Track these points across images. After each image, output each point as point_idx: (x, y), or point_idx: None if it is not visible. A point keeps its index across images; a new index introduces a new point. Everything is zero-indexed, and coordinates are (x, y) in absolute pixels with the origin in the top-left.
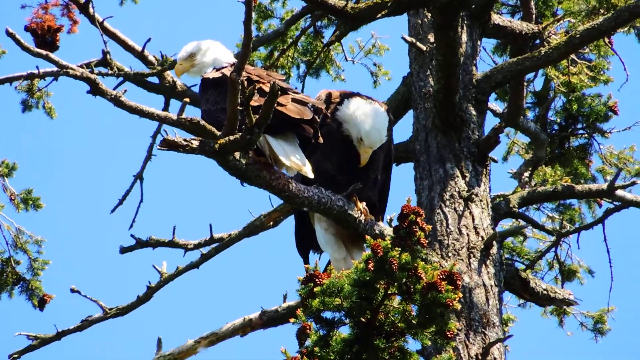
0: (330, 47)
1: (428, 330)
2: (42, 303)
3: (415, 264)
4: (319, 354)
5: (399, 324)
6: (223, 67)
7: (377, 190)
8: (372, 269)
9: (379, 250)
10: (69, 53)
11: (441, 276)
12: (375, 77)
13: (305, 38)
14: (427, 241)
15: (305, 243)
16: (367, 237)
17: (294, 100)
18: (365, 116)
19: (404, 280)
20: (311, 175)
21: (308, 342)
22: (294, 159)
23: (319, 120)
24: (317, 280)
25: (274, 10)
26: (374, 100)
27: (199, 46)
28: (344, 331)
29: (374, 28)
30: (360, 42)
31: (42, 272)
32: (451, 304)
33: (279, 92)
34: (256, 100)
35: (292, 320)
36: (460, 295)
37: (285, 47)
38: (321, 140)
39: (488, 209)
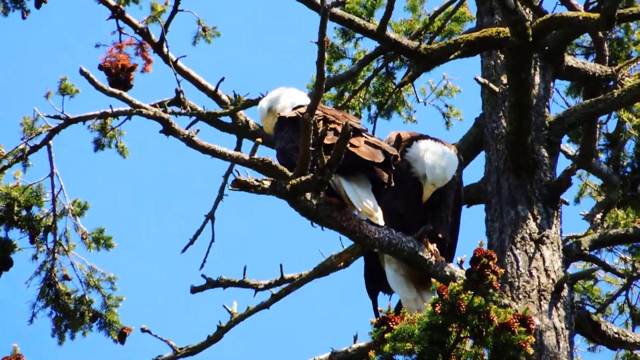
0: (402, 89)
1: None
2: (122, 336)
3: (488, 307)
4: None
5: None
6: (300, 106)
7: (447, 231)
8: (439, 312)
9: (444, 293)
10: (142, 92)
11: (514, 319)
12: (447, 118)
13: (376, 79)
14: (499, 284)
15: (375, 284)
16: (433, 280)
17: (367, 142)
18: (432, 154)
19: (475, 323)
20: (382, 223)
21: None
22: (365, 205)
23: (392, 164)
24: (390, 323)
25: (346, 51)
26: (443, 143)
27: (271, 99)
28: None
29: (445, 69)
30: (432, 83)
31: (116, 309)
32: (524, 345)
33: (352, 133)
34: (329, 139)
35: None
36: (533, 339)
37: (356, 87)
38: (393, 183)
39: (559, 251)
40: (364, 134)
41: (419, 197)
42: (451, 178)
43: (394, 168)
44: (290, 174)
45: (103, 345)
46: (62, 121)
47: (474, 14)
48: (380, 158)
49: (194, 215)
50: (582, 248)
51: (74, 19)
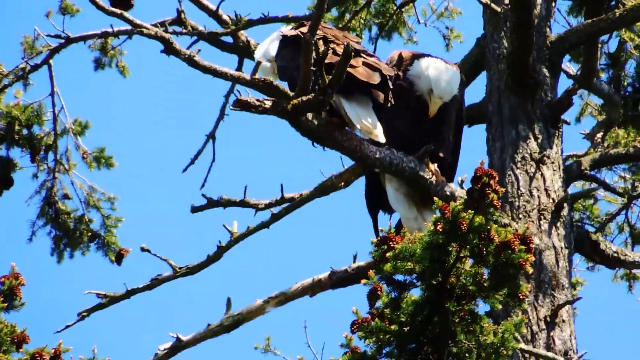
0: (403, 10)
1: (500, 293)
2: (119, 257)
3: (488, 227)
4: (389, 316)
5: (470, 287)
6: (302, 25)
7: (449, 150)
8: (440, 230)
9: (447, 212)
10: (143, 12)
11: (514, 237)
12: (448, 40)
13: (378, 0)
14: (500, 203)
15: (375, 203)
16: (436, 198)
17: (365, 63)
18: (435, 69)
19: (476, 242)
20: (382, 140)
21: (379, 304)
22: (364, 122)
23: (391, 83)
24: (390, 242)
25: None
26: (445, 61)
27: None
28: (415, 293)
29: None
30: (433, 4)
31: (115, 229)
32: (524, 264)
33: (352, 54)
34: (330, 59)
35: (363, 281)
36: (533, 257)
37: (357, 8)
38: (392, 102)
39: (559, 171)
40: (362, 55)
41: (423, 116)
42: (456, 92)
43: (392, 87)
44: (291, 94)
45: (101, 265)
46: (62, 40)
47: None
48: (376, 79)
49: (195, 135)
50: (583, 168)
51: None
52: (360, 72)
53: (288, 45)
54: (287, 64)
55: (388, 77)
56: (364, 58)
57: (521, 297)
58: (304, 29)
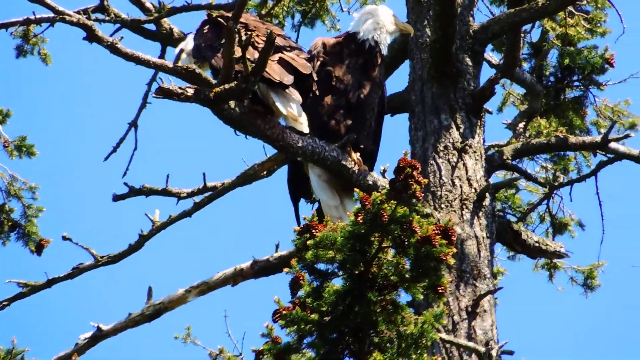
0: None
1: (420, 285)
2: (39, 248)
3: (410, 218)
4: (311, 305)
5: (392, 277)
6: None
7: (371, 136)
8: (361, 221)
9: (367, 203)
10: None
11: (436, 230)
12: None
13: None
14: (422, 195)
15: (298, 191)
16: (357, 190)
17: (281, 61)
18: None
19: (397, 233)
20: (306, 129)
21: (301, 293)
22: (290, 110)
23: (314, 78)
24: (313, 230)
25: None
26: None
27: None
28: (337, 283)
29: None
30: None
31: (36, 219)
32: (445, 258)
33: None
34: (250, 54)
35: (285, 270)
36: (455, 250)
37: None
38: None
39: (482, 161)
40: (283, 51)
41: (346, 100)
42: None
43: (314, 81)
44: (214, 82)
45: (22, 255)
46: None
47: None
48: (288, 80)
49: (117, 123)
50: (505, 157)
51: None
52: (274, 70)
53: (207, 25)
54: (203, 42)
55: (309, 73)
56: (282, 54)
57: (441, 290)
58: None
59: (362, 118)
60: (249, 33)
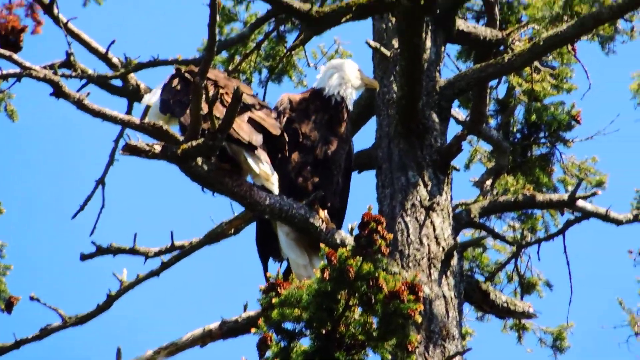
0: (293, 53)
1: (388, 343)
2: (9, 305)
3: (377, 274)
4: None
5: (359, 337)
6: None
7: (339, 193)
8: (327, 278)
9: (333, 259)
10: (32, 54)
11: (403, 286)
12: None
13: (268, 43)
14: (388, 250)
15: (266, 250)
16: (322, 245)
17: (250, 120)
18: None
19: (364, 290)
20: (276, 190)
21: (268, 354)
22: (263, 169)
23: (286, 139)
24: (278, 289)
25: (238, 14)
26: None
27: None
28: (305, 343)
29: (337, 33)
30: (323, 47)
31: (4, 277)
32: (413, 314)
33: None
34: (217, 110)
35: (253, 330)
36: (422, 307)
37: (248, 51)
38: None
39: (449, 219)
40: (252, 109)
41: (314, 157)
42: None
43: (286, 141)
44: (181, 138)
45: None
46: None
47: None
48: (257, 140)
49: (84, 181)
50: (472, 215)
51: None
52: (244, 130)
53: (175, 79)
54: (171, 97)
55: (280, 134)
56: (252, 113)
57: (410, 348)
58: (194, 69)
59: (329, 174)
60: (218, 89)
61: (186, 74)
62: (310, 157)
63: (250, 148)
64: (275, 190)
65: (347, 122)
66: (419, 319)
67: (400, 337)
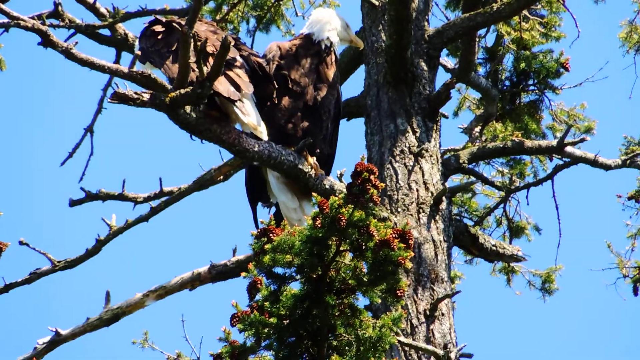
0: (281, 2)
1: (378, 288)
2: None
3: (368, 222)
4: (269, 309)
5: (350, 281)
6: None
7: (328, 139)
8: (319, 226)
9: (325, 208)
10: (20, 5)
11: (394, 234)
12: None
13: None
14: (379, 199)
15: (255, 195)
16: (315, 194)
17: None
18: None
19: (355, 237)
20: (265, 137)
21: (258, 297)
22: (250, 119)
23: (275, 85)
24: (271, 234)
25: None
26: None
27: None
28: (295, 287)
29: None
30: None
31: None
32: (403, 262)
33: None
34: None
35: (243, 274)
36: (412, 254)
37: (235, 1)
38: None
39: (438, 165)
40: (233, 69)
41: (304, 103)
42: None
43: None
44: (169, 86)
45: None
46: None
47: None
48: (234, 96)
49: (73, 128)
50: (461, 161)
51: None
52: (222, 88)
53: (153, 29)
54: (149, 47)
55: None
56: (230, 71)
57: (399, 293)
58: (180, 20)
59: (319, 120)
60: (206, 38)
61: (173, 24)
62: (300, 102)
63: (230, 101)
64: (265, 137)
65: (336, 68)
66: (409, 265)
67: (390, 283)
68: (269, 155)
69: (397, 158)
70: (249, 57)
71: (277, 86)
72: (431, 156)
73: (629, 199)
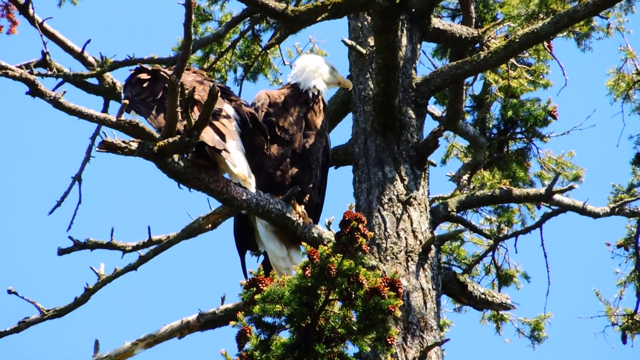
0: (268, 51)
1: (368, 337)
2: None
3: (357, 271)
4: (259, 358)
5: (339, 330)
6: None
7: (316, 187)
8: (309, 275)
9: (315, 257)
10: (8, 54)
11: (383, 282)
12: None
13: (243, 42)
14: (368, 248)
15: (244, 243)
16: (304, 243)
17: (212, 126)
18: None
19: (344, 286)
20: (253, 189)
21: (248, 346)
22: (240, 170)
23: (267, 136)
24: (260, 284)
25: (213, 13)
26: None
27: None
28: (285, 336)
29: (312, 32)
30: (298, 46)
31: None
32: (393, 310)
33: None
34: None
35: (232, 323)
36: (401, 302)
37: (223, 50)
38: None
39: (426, 213)
40: (219, 119)
41: (292, 151)
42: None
43: (266, 139)
44: (157, 135)
45: None
46: None
47: None
48: (220, 146)
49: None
50: (449, 209)
51: None
52: (208, 137)
53: (139, 77)
54: (134, 96)
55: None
56: (215, 122)
57: (389, 341)
58: (168, 70)
59: (307, 167)
60: (194, 87)
61: (161, 73)
62: (289, 150)
63: (215, 151)
64: (253, 189)
65: (324, 116)
66: (399, 314)
67: (380, 331)
68: (257, 203)
69: (386, 206)
70: (240, 107)
71: (268, 136)
72: (419, 204)
73: (618, 247)
